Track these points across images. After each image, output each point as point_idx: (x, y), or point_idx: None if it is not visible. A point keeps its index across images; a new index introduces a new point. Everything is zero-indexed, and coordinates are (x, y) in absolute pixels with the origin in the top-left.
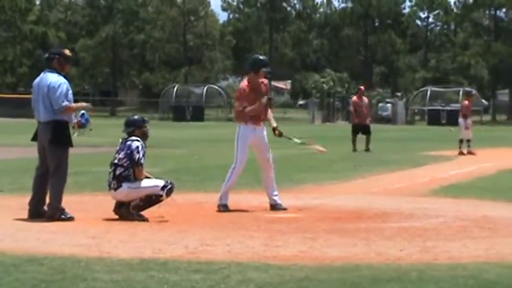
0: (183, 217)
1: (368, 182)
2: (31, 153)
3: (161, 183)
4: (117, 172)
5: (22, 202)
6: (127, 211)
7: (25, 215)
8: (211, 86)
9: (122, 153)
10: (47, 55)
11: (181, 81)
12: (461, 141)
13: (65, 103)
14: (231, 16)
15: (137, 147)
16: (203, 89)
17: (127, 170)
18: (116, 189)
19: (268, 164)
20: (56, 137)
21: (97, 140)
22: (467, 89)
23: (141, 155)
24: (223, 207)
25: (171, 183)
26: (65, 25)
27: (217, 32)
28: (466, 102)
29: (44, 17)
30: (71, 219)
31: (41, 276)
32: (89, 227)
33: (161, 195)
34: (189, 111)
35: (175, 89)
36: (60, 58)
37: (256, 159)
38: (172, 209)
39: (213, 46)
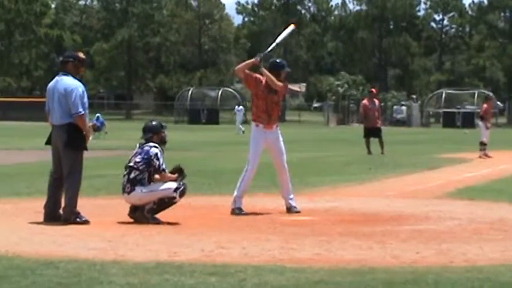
0: (198, 220)
1: (383, 185)
2: (47, 156)
3: (174, 185)
4: (132, 175)
5: (38, 205)
6: (142, 214)
7: (41, 218)
8: (226, 89)
9: (139, 156)
10: (61, 58)
11: (196, 84)
12: (481, 143)
13: (81, 111)
14: (245, 19)
15: (156, 154)
16: (218, 92)
17: (142, 173)
18: (129, 193)
19: (282, 167)
20: (71, 140)
21: (112, 143)
22: (486, 92)
23: (161, 162)
24: (238, 210)
25: (183, 184)
26: (80, 29)
27: (232, 35)
28: (486, 105)
29: (59, 21)
30: (86, 222)
31: (57, 279)
32: (104, 230)
33: (174, 197)
34: (204, 114)
35: (190, 92)
36: (74, 61)
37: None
38: (188, 212)
39: (228, 49)
